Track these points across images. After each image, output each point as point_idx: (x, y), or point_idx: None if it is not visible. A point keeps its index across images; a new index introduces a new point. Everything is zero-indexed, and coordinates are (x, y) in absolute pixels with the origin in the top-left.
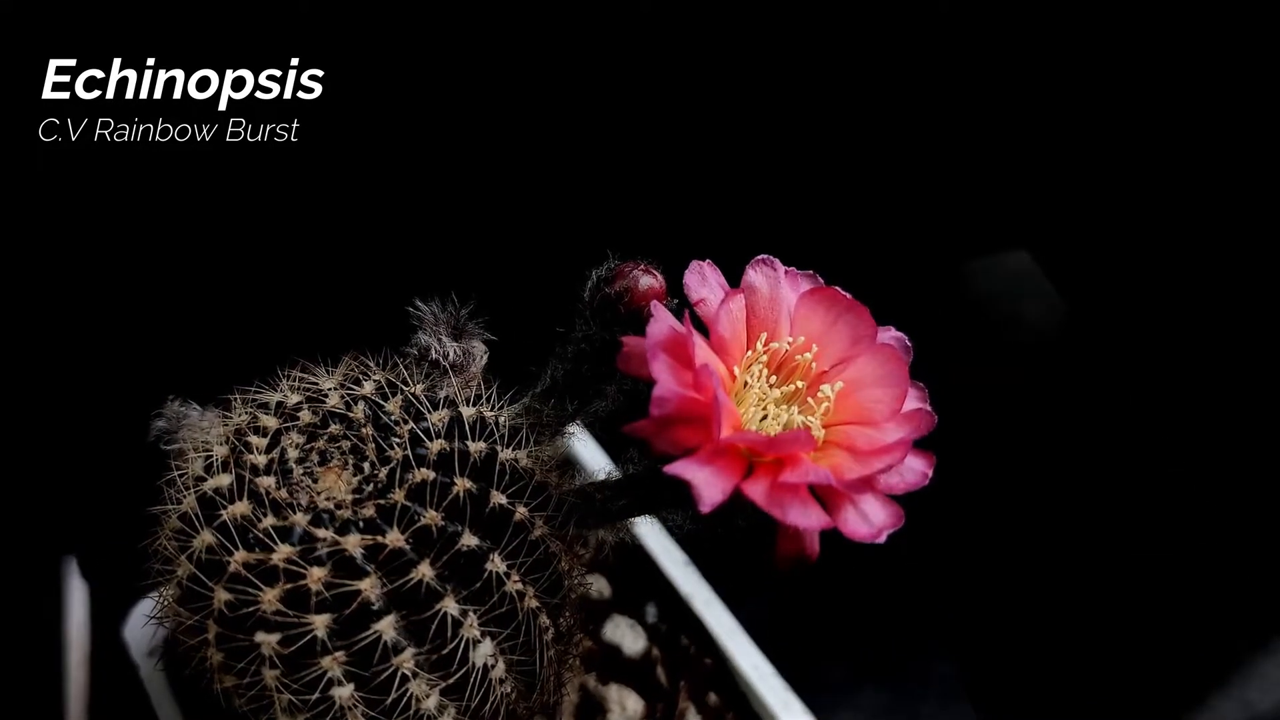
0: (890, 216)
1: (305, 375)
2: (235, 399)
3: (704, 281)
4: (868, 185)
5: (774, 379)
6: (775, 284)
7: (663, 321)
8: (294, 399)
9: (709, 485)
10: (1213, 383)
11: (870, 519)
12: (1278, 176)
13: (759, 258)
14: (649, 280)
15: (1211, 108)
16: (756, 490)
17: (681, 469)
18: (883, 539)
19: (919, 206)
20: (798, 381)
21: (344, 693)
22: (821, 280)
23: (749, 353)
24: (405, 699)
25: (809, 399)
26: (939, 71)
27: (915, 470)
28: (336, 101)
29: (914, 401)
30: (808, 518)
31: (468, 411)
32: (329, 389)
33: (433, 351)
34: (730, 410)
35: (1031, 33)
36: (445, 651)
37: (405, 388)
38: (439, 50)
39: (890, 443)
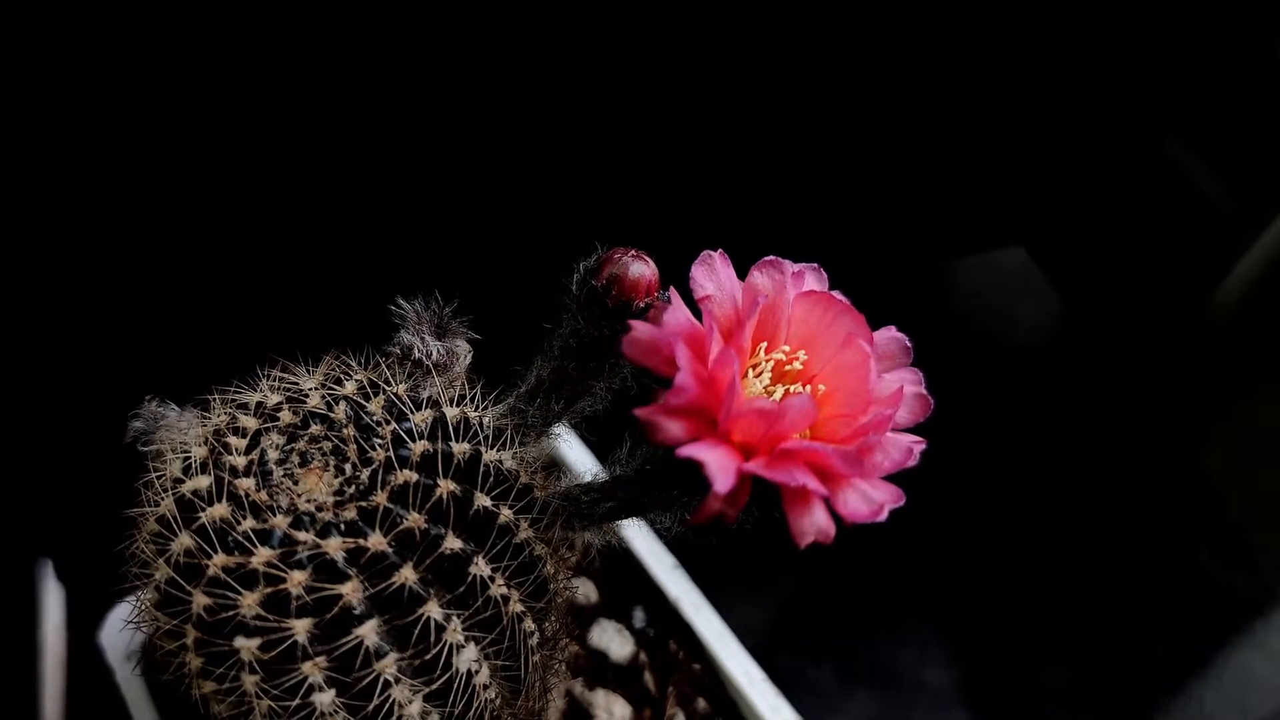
0: (884, 213)
1: (285, 375)
2: (214, 399)
3: (711, 275)
4: (861, 181)
5: (766, 380)
6: (781, 287)
7: (681, 311)
8: (274, 399)
9: (721, 467)
10: (1209, 381)
11: (869, 496)
12: (1273, 169)
13: (766, 259)
14: (640, 267)
15: (1208, 103)
16: (757, 465)
17: (694, 450)
18: (884, 516)
19: (912, 203)
20: (789, 385)
21: (325, 699)
22: (825, 274)
23: (753, 357)
24: (387, 705)
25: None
26: (935, 68)
27: (900, 446)
28: (322, 96)
29: (909, 386)
30: (811, 480)
31: (451, 412)
32: (310, 389)
33: (416, 350)
34: (741, 400)
35: (1028, 28)
36: (428, 657)
37: (387, 388)
38: (426, 43)
39: (867, 422)
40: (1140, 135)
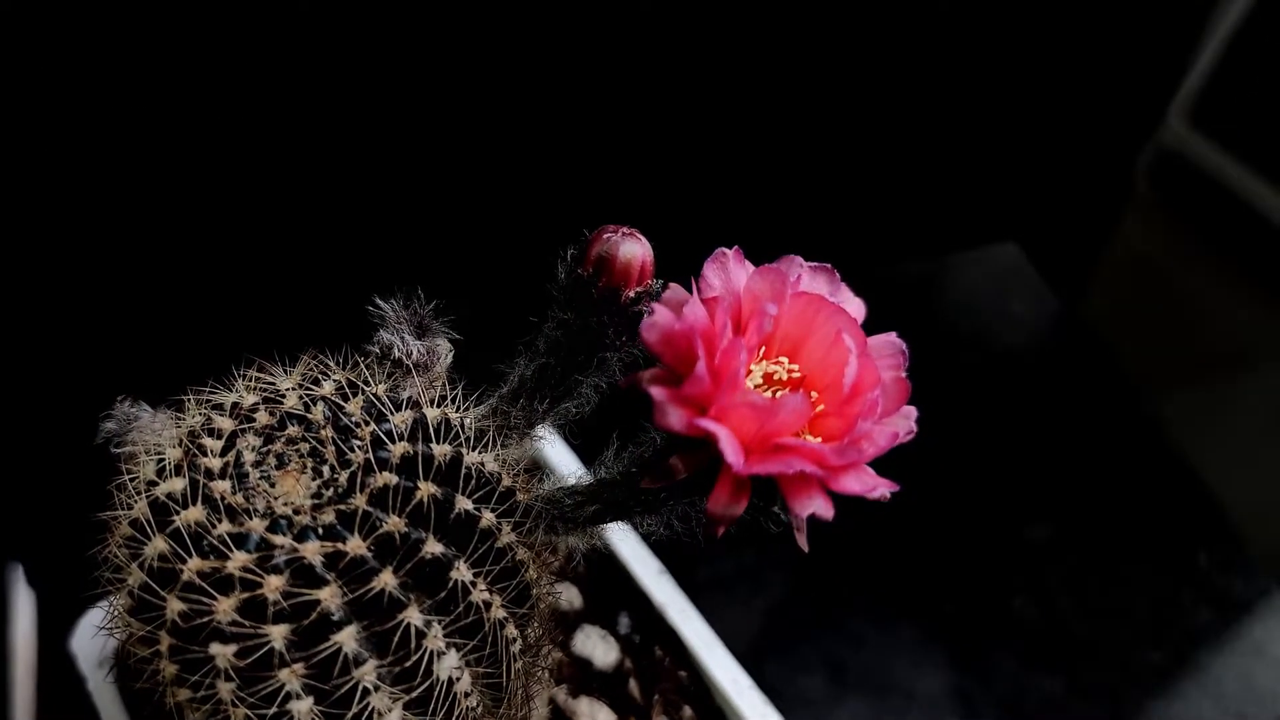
0: (876, 208)
1: (262, 375)
2: (188, 400)
3: (720, 273)
4: (853, 177)
5: (758, 381)
6: (780, 296)
7: (698, 307)
8: (250, 400)
9: (732, 443)
10: (1206, 381)
11: (863, 479)
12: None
13: (765, 266)
14: (632, 247)
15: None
16: (755, 464)
17: (709, 424)
18: (878, 494)
19: (905, 198)
20: (781, 390)
21: (303, 707)
22: (838, 274)
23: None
24: (367, 713)
25: None
26: (927, 62)
27: (885, 434)
28: (298, 91)
29: (887, 371)
30: (809, 465)
31: (432, 413)
32: (287, 389)
33: (395, 350)
34: (739, 391)
35: (1021, 23)
36: (408, 664)
37: (366, 388)
38: (406, 37)
39: (858, 411)
40: (1135, 129)
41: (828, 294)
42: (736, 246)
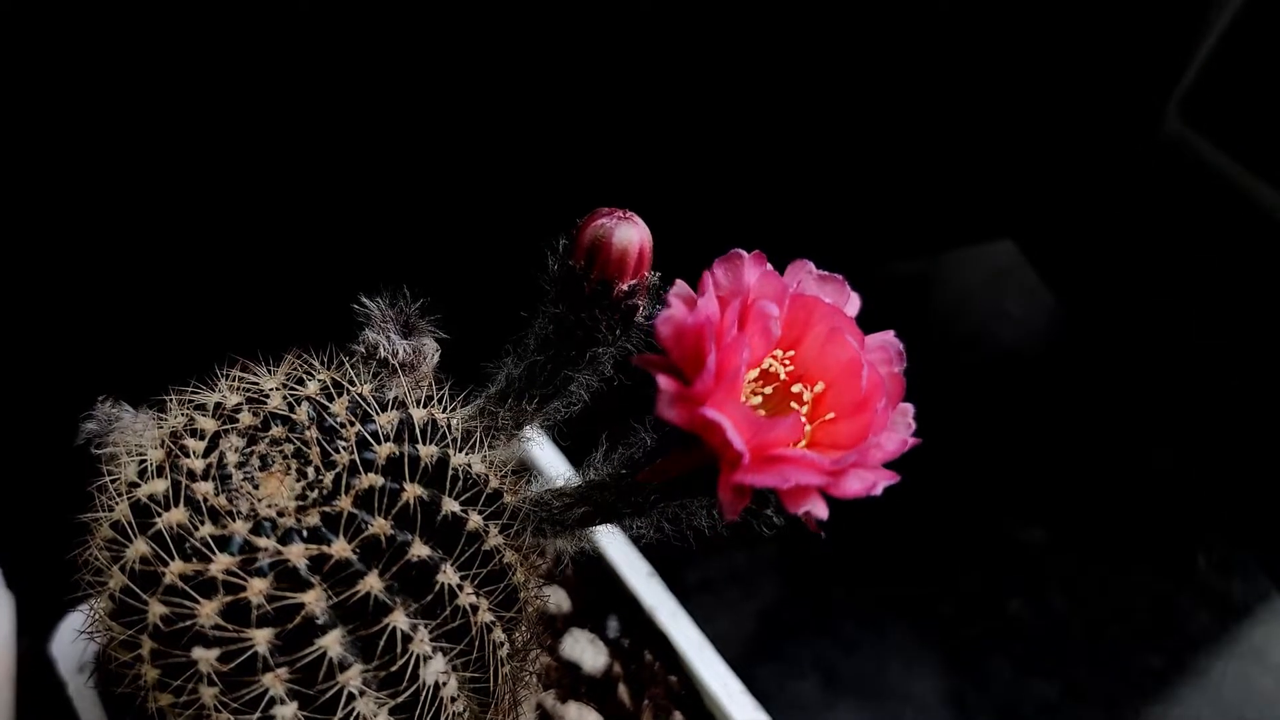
0: (870, 205)
1: (245, 375)
2: (171, 400)
3: (728, 275)
4: (847, 173)
5: (760, 383)
6: (781, 297)
7: (712, 303)
8: (233, 400)
9: (735, 433)
10: (1204, 381)
11: (864, 477)
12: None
13: (768, 272)
14: (628, 232)
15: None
16: (752, 477)
17: (712, 413)
18: (878, 490)
19: (899, 195)
20: (789, 389)
21: (287, 712)
22: (849, 285)
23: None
24: (352, 718)
25: (790, 403)
26: (922, 59)
27: (894, 439)
28: (283, 86)
29: (881, 366)
30: (804, 476)
31: (418, 413)
32: (271, 389)
33: (381, 349)
34: (738, 390)
35: (1016, 18)
36: (394, 668)
37: (352, 388)
38: (394, 32)
39: (869, 421)
40: (1132, 123)
41: (834, 303)
42: (758, 250)
